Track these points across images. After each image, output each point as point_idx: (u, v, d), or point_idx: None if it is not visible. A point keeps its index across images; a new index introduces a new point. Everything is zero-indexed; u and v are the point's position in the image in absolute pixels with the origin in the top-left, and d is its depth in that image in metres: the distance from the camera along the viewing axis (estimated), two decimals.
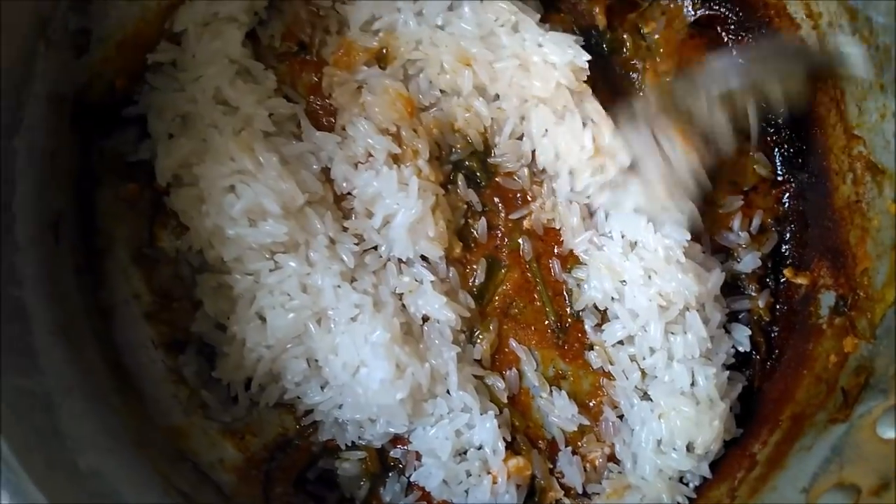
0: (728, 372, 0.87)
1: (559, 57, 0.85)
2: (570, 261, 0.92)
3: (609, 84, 0.95)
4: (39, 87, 0.70)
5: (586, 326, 0.90)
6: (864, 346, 0.78)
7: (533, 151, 0.91)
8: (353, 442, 0.86)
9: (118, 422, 0.74)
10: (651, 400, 0.86)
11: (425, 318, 0.86)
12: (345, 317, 0.82)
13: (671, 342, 0.86)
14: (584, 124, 0.89)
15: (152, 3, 0.80)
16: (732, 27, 0.96)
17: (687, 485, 0.86)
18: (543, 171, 0.91)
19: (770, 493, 0.75)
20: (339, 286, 0.82)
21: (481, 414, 0.84)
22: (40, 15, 0.69)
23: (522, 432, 0.89)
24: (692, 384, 0.85)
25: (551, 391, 0.90)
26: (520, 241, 0.91)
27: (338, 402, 0.84)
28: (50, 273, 0.73)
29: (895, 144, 0.78)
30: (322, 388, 0.84)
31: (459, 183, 0.91)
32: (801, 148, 0.94)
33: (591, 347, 0.90)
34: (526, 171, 0.91)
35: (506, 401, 0.88)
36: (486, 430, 0.83)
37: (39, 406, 0.62)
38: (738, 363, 0.90)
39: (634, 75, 0.96)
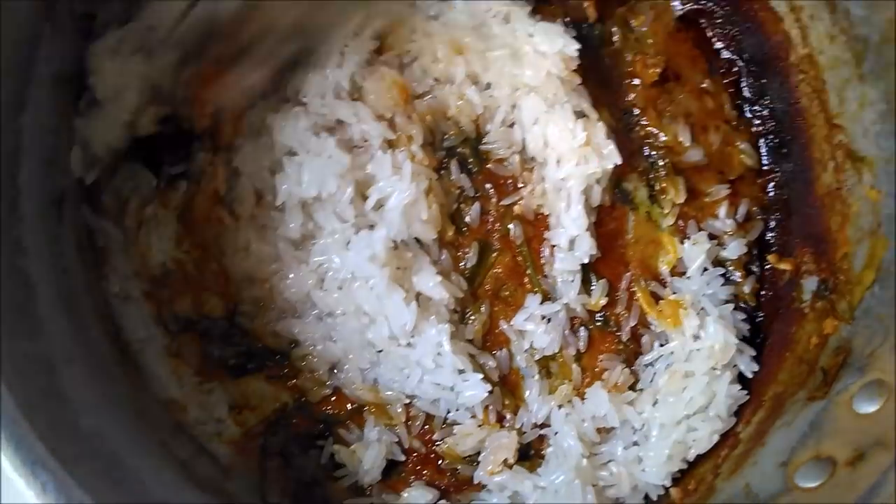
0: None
1: (549, 46, 0.88)
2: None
3: (599, 75, 0.98)
4: (45, 68, 0.73)
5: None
6: (843, 328, 0.80)
7: (524, 139, 0.93)
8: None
9: (118, 391, 0.77)
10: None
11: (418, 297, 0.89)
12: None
13: None
14: (577, 115, 0.92)
15: None
16: (719, 21, 0.99)
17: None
18: (533, 158, 0.94)
19: (751, 469, 0.78)
20: None
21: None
22: None
23: (512, 411, 0.91)
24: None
25: (541, 372, 0.92)
26: (510, 226, 0.94)
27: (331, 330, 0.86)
28: (53, 247, 0.75)
29: (874, 132, 0.81)
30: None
31: (452, 169, 0.93)
32: (785, 138, 0.96)
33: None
34: (517, 157, 0.93)
35: (497, 380, 0.90)
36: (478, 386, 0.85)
37: (43, 369, 0.65)
38: None
39: (624, 67, 0.99)
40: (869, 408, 0.69)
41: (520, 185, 0.94)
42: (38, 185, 0.73)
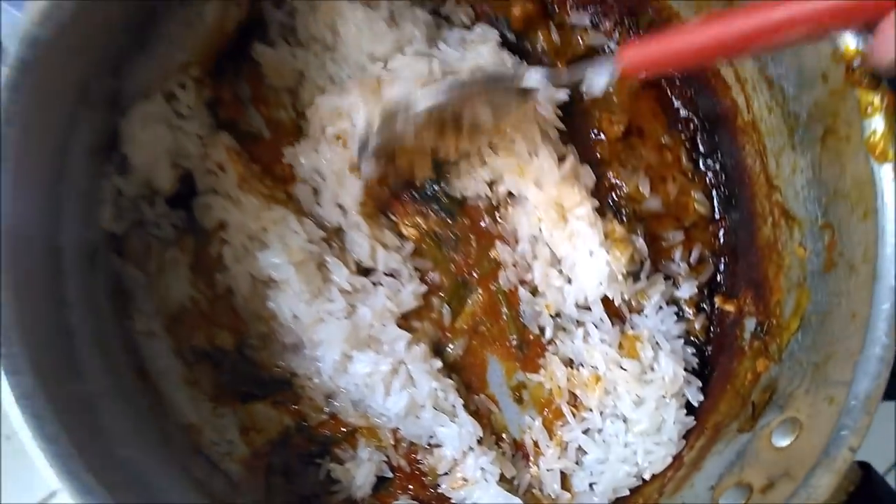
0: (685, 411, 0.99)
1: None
2: (535, 290, 1.06)
3: (569, 130, 1.09)
4: (80, 141, 0.84)
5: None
6: (772, 367, 0.92)
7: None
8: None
9: (144, 420, 0.88)
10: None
11: None
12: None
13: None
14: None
15: (172, 65, 0.94)
16: (678, 84, 1.10)
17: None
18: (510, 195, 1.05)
19: (688, 491, 0.89)
20: None
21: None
22: (82, 81, 0.82)
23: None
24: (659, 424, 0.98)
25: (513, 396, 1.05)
26: (487, 266, 1.06)
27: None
28: (89, 295, 0.87)
29: (802, 196, 0.92)
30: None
31: (431, 213, 1.05)
32: (734, 191, 1.07)
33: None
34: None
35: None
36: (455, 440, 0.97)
37: (86, 407, 0.76)
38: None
39: (591, 124, 1.10)
40: (783, 442, 0.81)
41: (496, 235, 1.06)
42: (75, 243, 0.85)
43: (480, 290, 1.05)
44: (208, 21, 0.93)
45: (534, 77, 0.91)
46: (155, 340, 0.97)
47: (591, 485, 0.99)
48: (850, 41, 0.79)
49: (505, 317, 1.05)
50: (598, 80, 0.84)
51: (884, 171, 0.78)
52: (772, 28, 0.70)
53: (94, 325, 0.86)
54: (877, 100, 0.79)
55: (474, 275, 1.06)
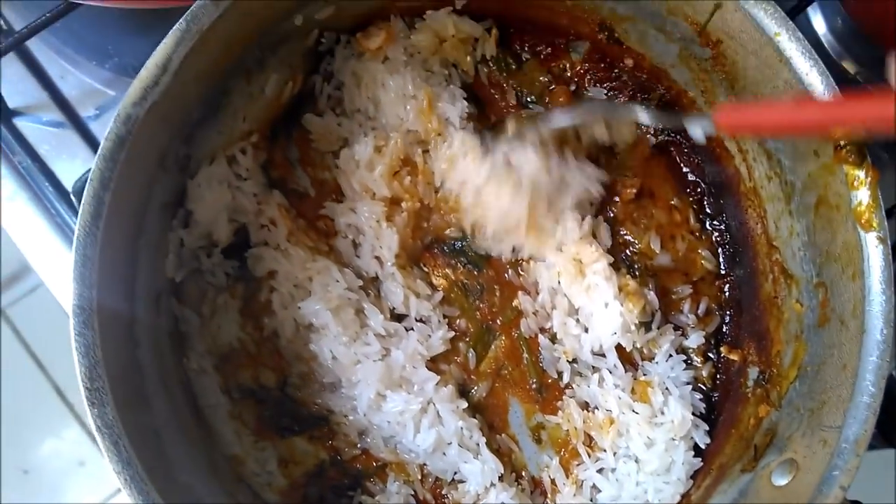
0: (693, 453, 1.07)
1: None
2: (554, 337, 1.15)
3: None
4: (156, 200, 0.96)
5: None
6: (773, 413, 1.00)
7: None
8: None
9: (197, 450, 0.97)
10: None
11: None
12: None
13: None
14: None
15: (236, 133, 1.06)
16: (686, 151, 1.21)
17: None
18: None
19: None
20: None
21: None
22: (162, 150, 0.94)
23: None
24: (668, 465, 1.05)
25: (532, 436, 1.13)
26: (510, 314, 1.15)
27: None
28: (154, 336, 0.97)
29: (799, 256, 1.01)
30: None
31: (459, 266, 1.16)
32: (738, 249, 1.17)
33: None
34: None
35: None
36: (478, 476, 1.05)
37: (153, 436, 0.86)
38: None
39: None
40: (782, 481, 0.88)
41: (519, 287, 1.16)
42: (146, 290, 0.96)
43: (503, 337, 1.15)
44: (268, 95, 1.06)
45: (643, 115, 1.05)
46: (206, 377, 1.06)
47: None
48: None
49: (525, 362, 1.14)
50: (695, 129, 0.96)
51: (869, 238, 0.87)
52: (846, 119, 0.82)
53: (158, 362, 0.96)
54: (862, 174, 0.88)
55: (498, 322, 1.15)
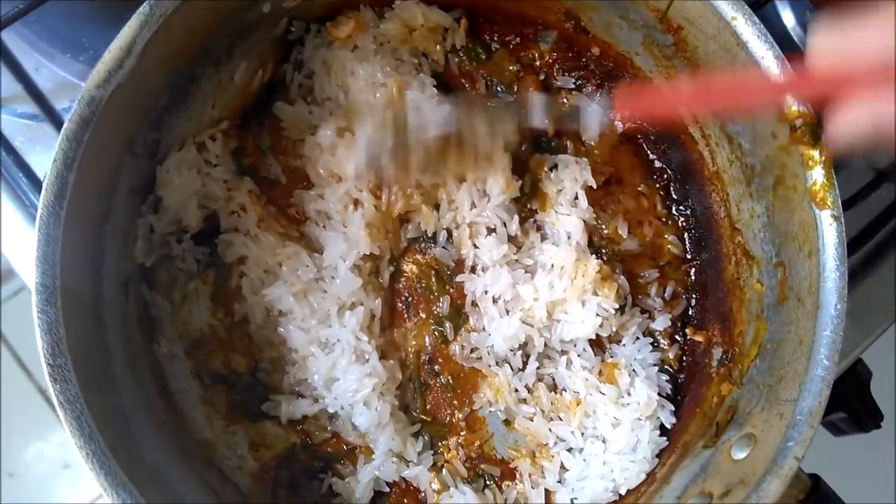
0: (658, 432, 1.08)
1: None
2: None
3: None
4: (124, 185, 0.97)
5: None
6: (735, 391, 1.02)
7: None
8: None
9: (166, 433, 0.98)
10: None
11: None
12: None
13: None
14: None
15: (205, 120, 1.07)
16: (652, 139, 1.23)
17: None
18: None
19: (657, 502, 0.98)
20: None
21: None
22: (129, 134, 0.95)
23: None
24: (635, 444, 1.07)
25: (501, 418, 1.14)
26: None
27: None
28: (123, 320, 0.98)
29: (759, 238, 1.03)
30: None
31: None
32: (703, 234, 1.18)
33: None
34: None
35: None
36: None
37: (120, 417, 0.87)
38: None
39: None
40: (740, 455, 0.90)
41: None
42: (113, 273, 0.96)
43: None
44: (238, 83, 1.07)
45: (533, 117, 1.03)
46: (176, 362, 1.07)
47: (572, 500, 1.07)
48: (792, 104, 0.91)
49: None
50: (592, 118, 0.98)
51: (824, 216, 0.89)
52: (730, 92, 0.86)
53: (126, 346, 0.97)
54: (816, 154, 0.90)
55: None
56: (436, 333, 1.15)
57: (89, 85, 0.84)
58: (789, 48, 0.97)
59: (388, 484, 1.09)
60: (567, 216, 1.14)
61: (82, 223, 0.87)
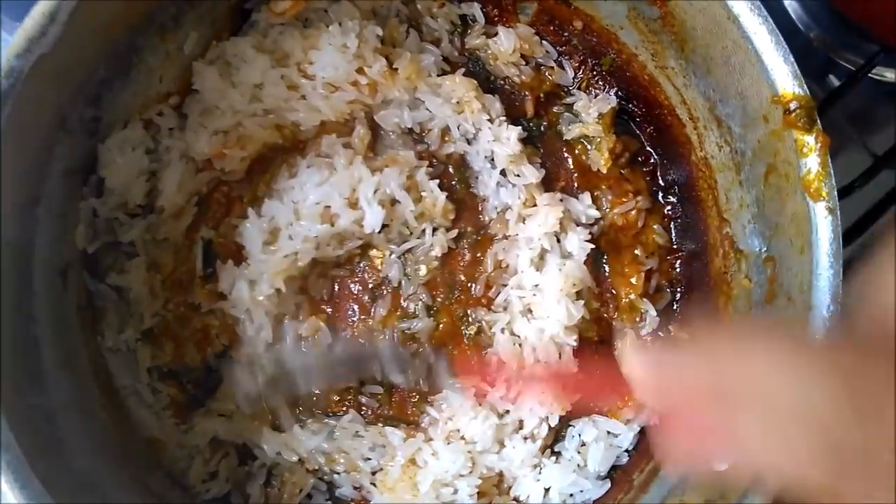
0: None
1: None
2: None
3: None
4: (57, 165, 0.88)
5: None
6: None
7: None
8: None
9: (105, 434, 0.91)
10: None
11: None
12: None
13: None
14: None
15: (152, 94, 0.99)
16: (638, 120, 1.15)
17: None
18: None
19: None
20: None
21: None
22: (59, 109, 0.87)
23: None
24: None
25: None
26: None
27: None
28: (58, 312, 0.90)
29: (748, 230, 0.96)
30: None
31: None
32: (689, 223, 1.11)
33: None
34: None
35: None
36: None
37: (45, 419, 0.80)
38: None
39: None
40: (722, 466, 0.83)
41: None
42: (47, 262, 0.89)
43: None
44: (188, 54, 0.98)
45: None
46: (122, 357, 1.00)
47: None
48: (787, 85, 0.83)
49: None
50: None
51: (818, 208, 0.82)
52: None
53: (61, 340, 0.90)
54: (811, 140, 0.83)
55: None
56: None
57: (8, 55, 0.75)
58: (785, 24, 0.89)
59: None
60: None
61: (6, 208, 0.79)
